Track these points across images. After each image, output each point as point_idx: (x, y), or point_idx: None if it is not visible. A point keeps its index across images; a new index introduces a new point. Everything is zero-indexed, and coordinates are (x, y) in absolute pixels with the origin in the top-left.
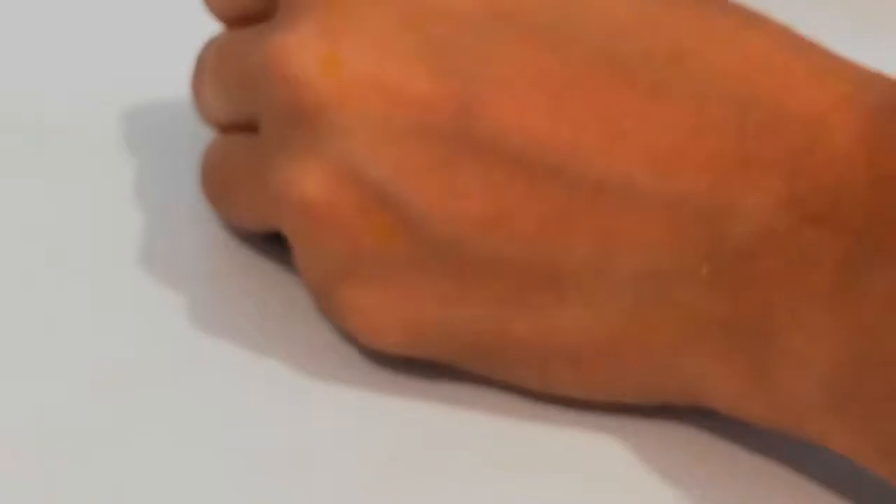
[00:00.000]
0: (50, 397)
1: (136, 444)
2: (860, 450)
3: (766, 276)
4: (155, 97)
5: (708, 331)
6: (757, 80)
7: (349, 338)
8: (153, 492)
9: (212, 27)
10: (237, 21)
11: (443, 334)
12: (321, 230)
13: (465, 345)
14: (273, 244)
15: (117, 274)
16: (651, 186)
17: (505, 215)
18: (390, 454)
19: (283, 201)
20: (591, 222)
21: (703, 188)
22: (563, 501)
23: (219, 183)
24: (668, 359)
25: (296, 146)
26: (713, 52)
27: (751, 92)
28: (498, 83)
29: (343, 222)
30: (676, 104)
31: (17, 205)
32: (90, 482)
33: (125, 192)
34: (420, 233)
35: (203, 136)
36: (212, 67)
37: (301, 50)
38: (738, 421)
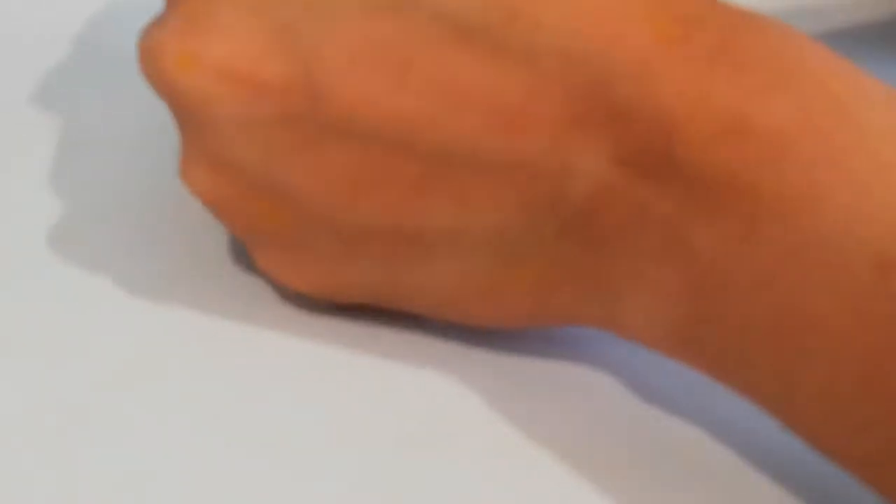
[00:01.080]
0: (48, 391)
1: (140, 435)
2: (720, 382)
3: (608, 232)
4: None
5: (564, 282)
6: (588, 33)
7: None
8: (158, 479)
9: None
10: None
11: (346, 285)
12: (218, 215)
13: (370, 291)
14: None
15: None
16: (495, 150)
17: (368, 187)
18: (395, 439)
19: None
20: (446, 188)
21: (542, 150)
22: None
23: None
24: (539, 296)
25: (185, 140)
26: (545, 7)
27: (581, 47)
28: (341, 60)
29: (231, 208)
30: (513, 67)
31: (15, 200)
32: (98, 472)
33: (112, 185)
34: (298, 209)
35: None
36: None
37: (162, 49)
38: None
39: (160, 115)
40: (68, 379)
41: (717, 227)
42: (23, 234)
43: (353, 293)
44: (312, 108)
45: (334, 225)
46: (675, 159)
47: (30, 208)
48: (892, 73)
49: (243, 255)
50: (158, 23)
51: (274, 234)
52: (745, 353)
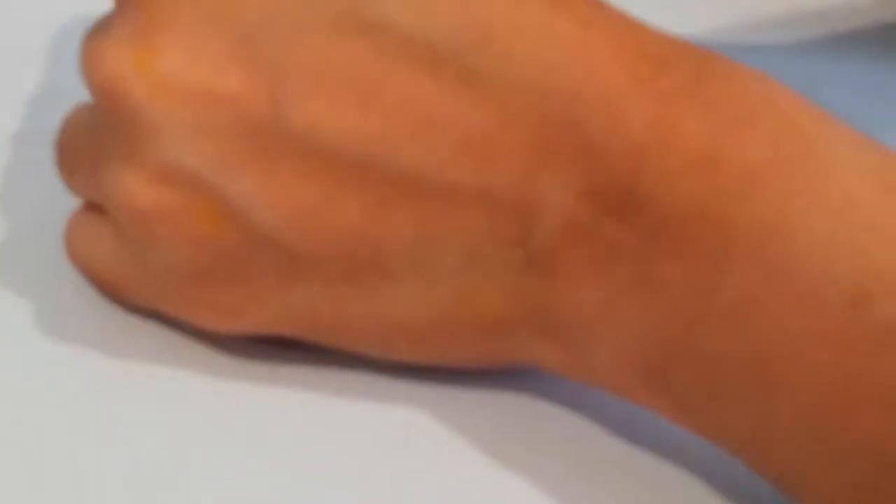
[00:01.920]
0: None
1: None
2: (685, 425)
3: (576, 266)
4: None
5: (531, 313)
6: (559, 65)
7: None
8: (153, 486)
9: None
10: None
11: (285, 312)
12: (153, 227)
13: (308, 321)
14: None
15: None
16: (462, 178)
17: (325, 205)
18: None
19: (113, 203)
20: (411, 212)
21: (510, 182)
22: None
23: (66, 155)
24: (498, 333)
25: (119, 149)
26: (519, 36)
27: (552, 80)
28: (308, 75)
29: (172, 217)
30: (483, 94)
31: (20, 200)
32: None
33: None
34: (246, 222)
35: None
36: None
37: (113, 54)
38: None
39: None
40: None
41: (687, 261)
42: (22, 233)
43: (295, 322)
44: (272, 119)
45: (284, 243)
46: (644, 194)
47: (31, 207)
48: (893, 74)
49: None
50: (106, 27)
51: (217, 248)
52: (716, 390)
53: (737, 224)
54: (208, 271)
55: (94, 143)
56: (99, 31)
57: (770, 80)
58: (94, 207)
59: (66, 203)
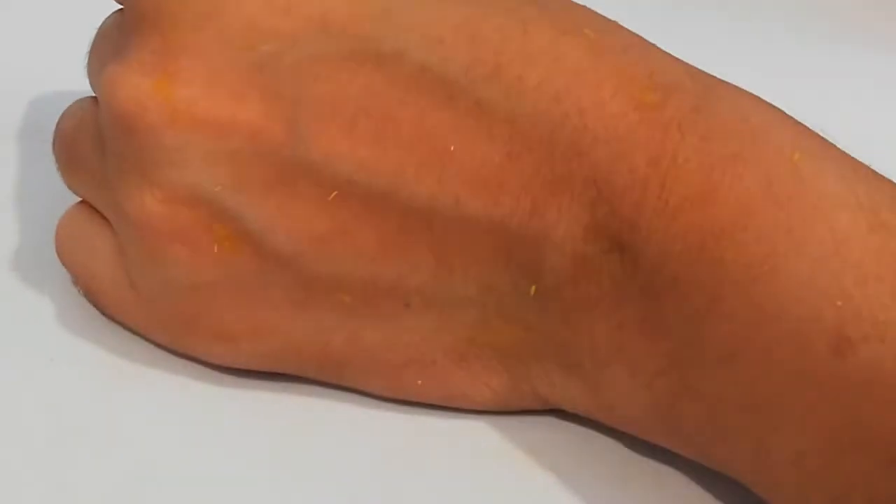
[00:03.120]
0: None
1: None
2: (705, 462)
3: (587, 301)
4: None
5: (546, 346)
6: (567, 96)
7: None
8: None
9: None
10: None
11: (293, 342)
12: (162, 244)
13: (316, 351)
14: None
15: None
16: (476, 210)
17: (343, 233)
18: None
19: (122, 217)
20: (428, 241)
21: (521, 214)
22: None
23: (67, 154)
24: (516, 367)
25: (134, 168)
26: (528, 66)
27: (560, 111)
28: (323, 106)
29: (183, 235)
30: (493, 125)
31: (20, 196)
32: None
33: None
34: (261, 246)
35: None
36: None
37: (133, 81)
38: None
39: None
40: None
41: (684, 299)
42: (22, 233)
43: (302, 354)
44: (290, 147)
45: (299, 267)
46: (645, 229)
47: (30, 206)
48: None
49: None
50: (123, 51)
51: (227, 269)
52: (721, 428)
53: (726, 263)
54: (212, 293)
55: (101, 155)
56: (115, 57)
57: (768, 108)
58: (88, 209)
59: (65, 202)
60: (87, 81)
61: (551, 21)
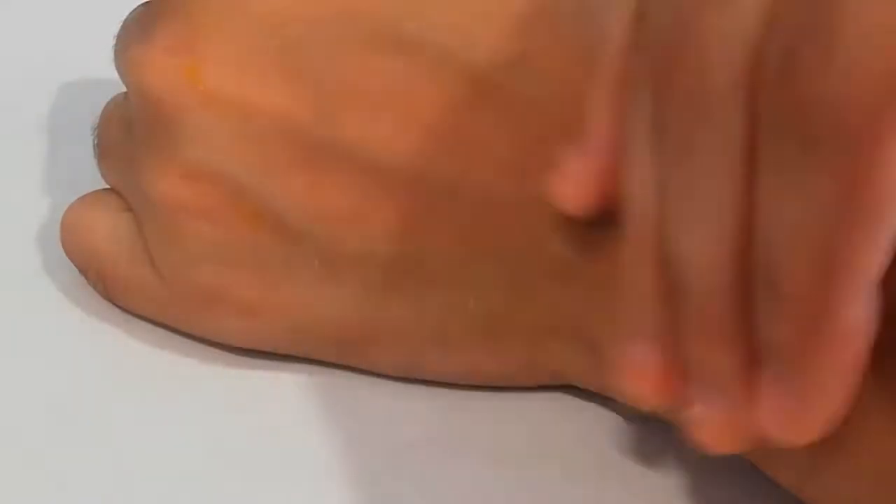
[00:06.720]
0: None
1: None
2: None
3: (609, 279)
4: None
5: (566, 324)
6: (583, 81)
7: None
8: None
9: None
10: None
11: (315, 319)
12: (185, 217)
13: (337, 331)
14: None
15: None
16: (500, 192)
17: (366, 213)
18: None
19: (146, 195)
20: (452, 221)
21: (545, 195)
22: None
23: (102, 139)
24: (535, 343)
25: (160, 148)
26: (552, 53)
27: (579, 95)
28: (347, 89)
29: (208, 210)
30: (521, 111)
31: (19, 201)
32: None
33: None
34: (284, 224)
35: None
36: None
37: (162, 63)
38: None
39: None
40: (59, 381)
41: None
42: (21, 233)
43: (324, 333)
44: (316, 129)
45: (322, 247)
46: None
47: (28, 207)
48: None
49: None
50: (149, 35)
51: (251, 246)
52: None
53: None
54: (235, 270)
55: (128, 136)
56: (142, 39)
57: None
58: (93, 197)
59: (64, 199)
60: (109, 73)
61: (575, 9)
